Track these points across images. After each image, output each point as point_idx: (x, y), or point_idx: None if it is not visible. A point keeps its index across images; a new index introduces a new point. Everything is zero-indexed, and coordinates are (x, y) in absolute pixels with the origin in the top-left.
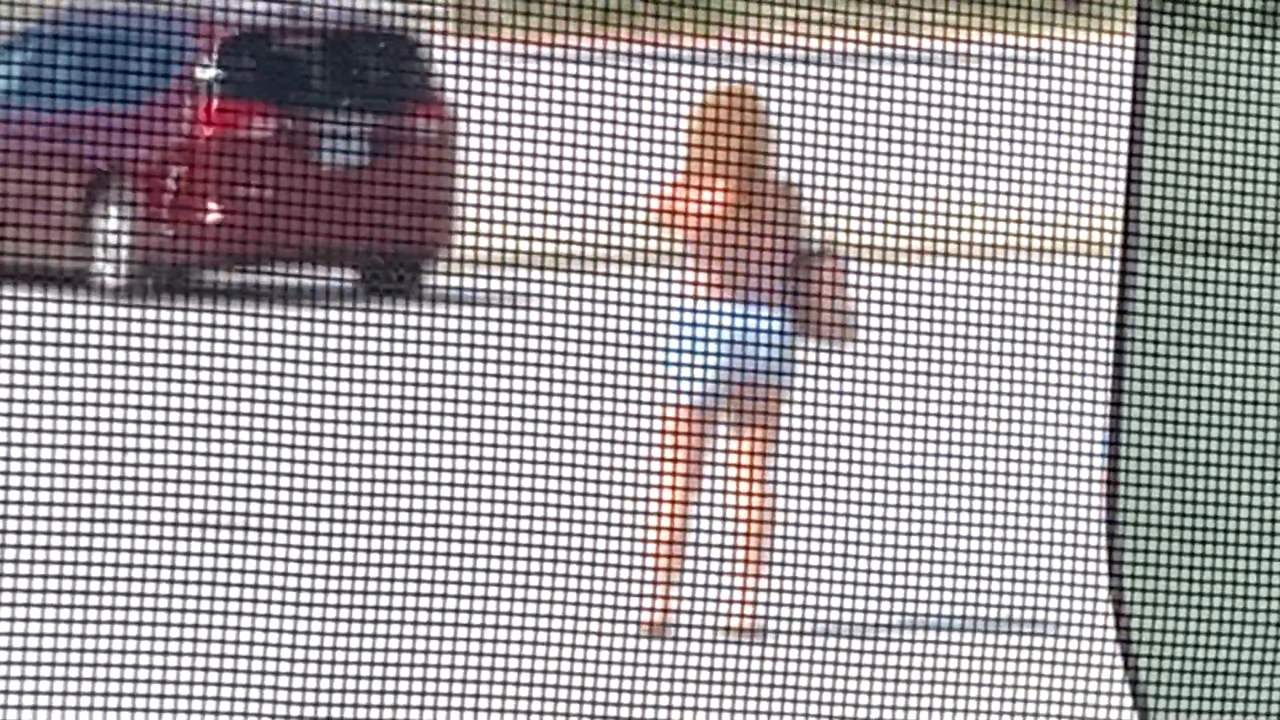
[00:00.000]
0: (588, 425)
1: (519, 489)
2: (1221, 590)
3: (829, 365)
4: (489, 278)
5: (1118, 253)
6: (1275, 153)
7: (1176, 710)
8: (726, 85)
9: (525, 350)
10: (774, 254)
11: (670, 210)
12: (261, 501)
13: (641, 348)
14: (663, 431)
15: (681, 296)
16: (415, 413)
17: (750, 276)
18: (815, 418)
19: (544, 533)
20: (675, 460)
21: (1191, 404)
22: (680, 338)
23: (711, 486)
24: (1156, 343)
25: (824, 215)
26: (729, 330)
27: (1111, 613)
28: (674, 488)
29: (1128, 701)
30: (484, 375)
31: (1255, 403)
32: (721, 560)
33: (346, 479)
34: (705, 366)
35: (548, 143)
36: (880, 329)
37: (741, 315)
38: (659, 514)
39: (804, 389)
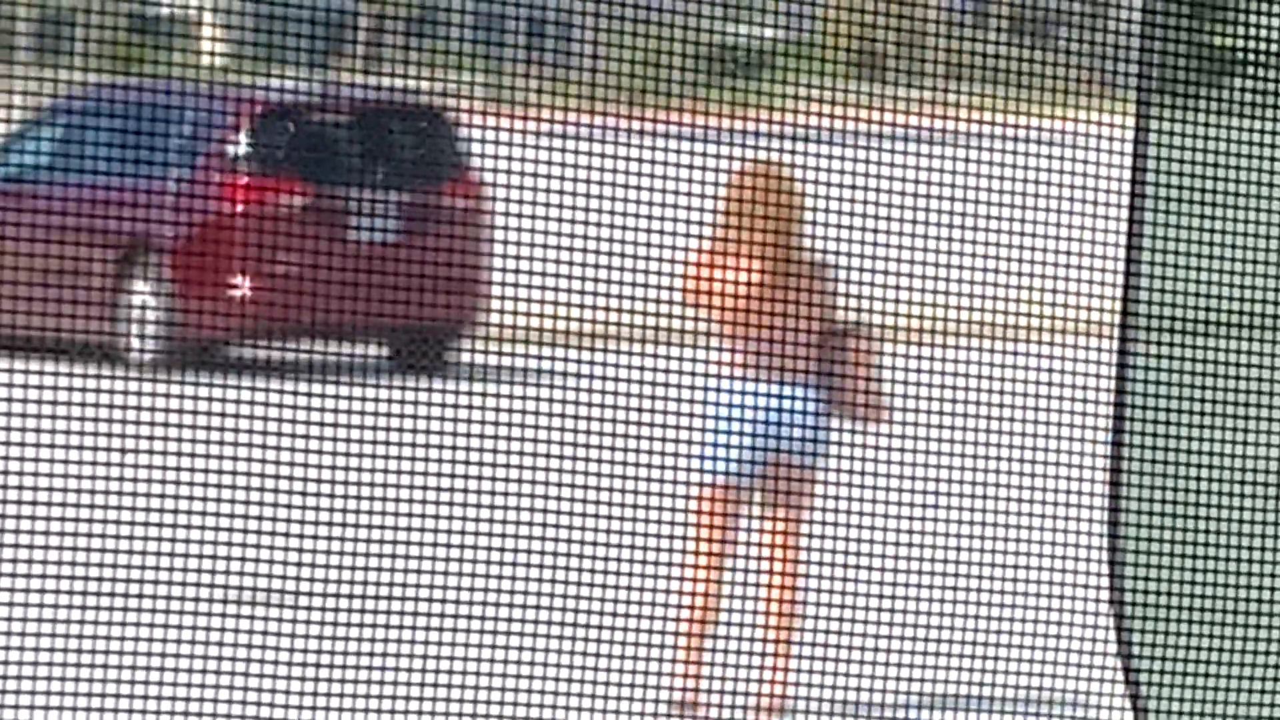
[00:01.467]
0: (616, 504)
1: (549, 566)
2: (1226, 654)
3: (864, 445)
4: (516, 355)
5: (1125, 333)
6: (1274, 233)
7: None
8: (757, 163)
9: (554, 429)
10: (806, 332)
11: (697, 289)
12: (297, 577)
13: (675, 426)
14: (696, 511)
15: (716, 376)
16: (445, 489)
17: (782, 355)
18: (849, 498)
19: (574, 610)
20: (707, 540)
21: (1189, 480)
22: (714, 418)
23: (745, 566)
24: (1155, 421)
25: (850, 295)
26: (762, 410)
27: (1127, 695)
28: (704, 567)
29: None
30: (512, 453)
31: (1251, 481)
32: (751, 640)
33: (380, 554)
34: (738, 446)
35: (575, 221)
36: (905, 409)
37: (774, 395)
38: (689, 593)
39: (837, 469)
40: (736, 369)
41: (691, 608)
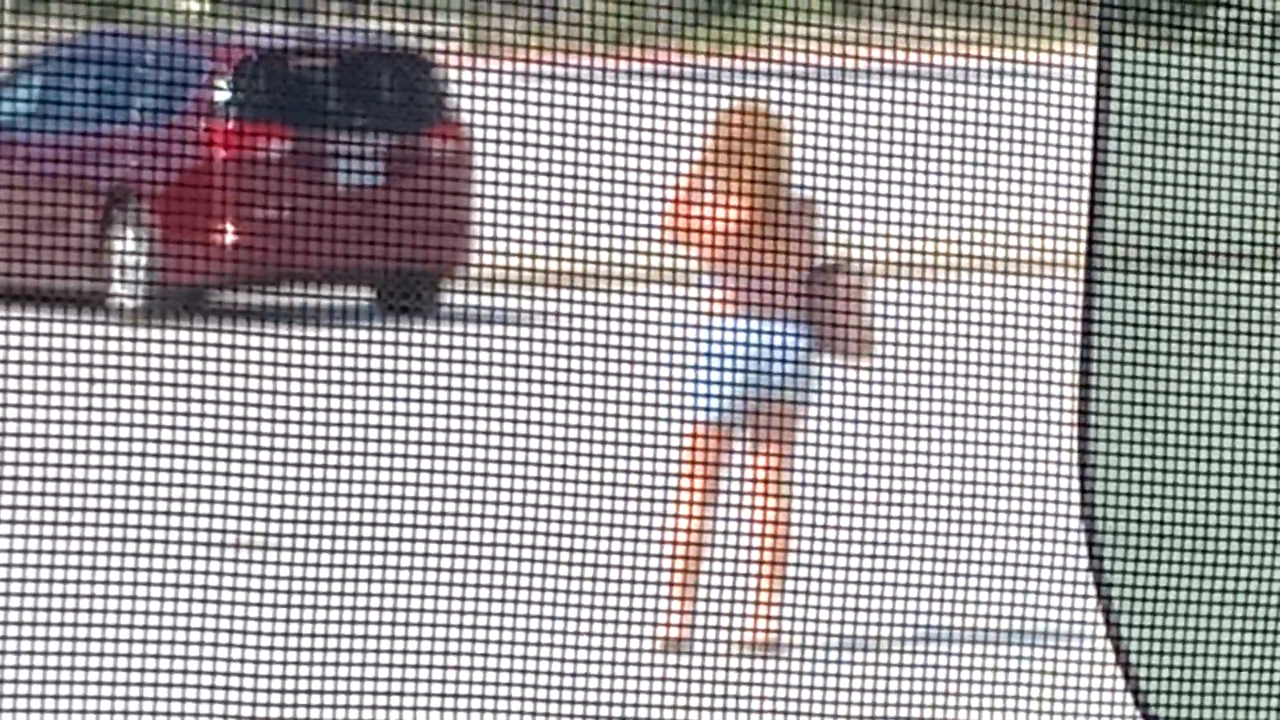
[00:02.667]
0: (605, 442)
1: (537, 505)
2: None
3: (844, 380)
4: (505, 296)
5: (1091, 265)
6: (1237, 167)
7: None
8: (742, 102)
9: (542, 369)
10: (791, 269)
11: (676, 225)
12: (281, 521)
13: (658, 365)
14: (681, 448)
15: (700, 314)
16: (432, 430)
17: (768, 292)
18: (832, 432)
19: (561, 549)
20: (693, 476)
21: (1156, 410)
22: (699, 355)
23: (729, 501)
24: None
25: (835, 231)
26: (747, 346)
27: (1101, 613)
28: (692, 503)
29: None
30: (501, 393)
31: (1218, 411)
32: (739, 575)
33: (363, 495)
34: (724, 384)
35: (562, 162)
36: (890, 343)
37: (759, 331)
38: (677, 529)
39: (821, 404)
40: (723, 306)
41: (678, 544)
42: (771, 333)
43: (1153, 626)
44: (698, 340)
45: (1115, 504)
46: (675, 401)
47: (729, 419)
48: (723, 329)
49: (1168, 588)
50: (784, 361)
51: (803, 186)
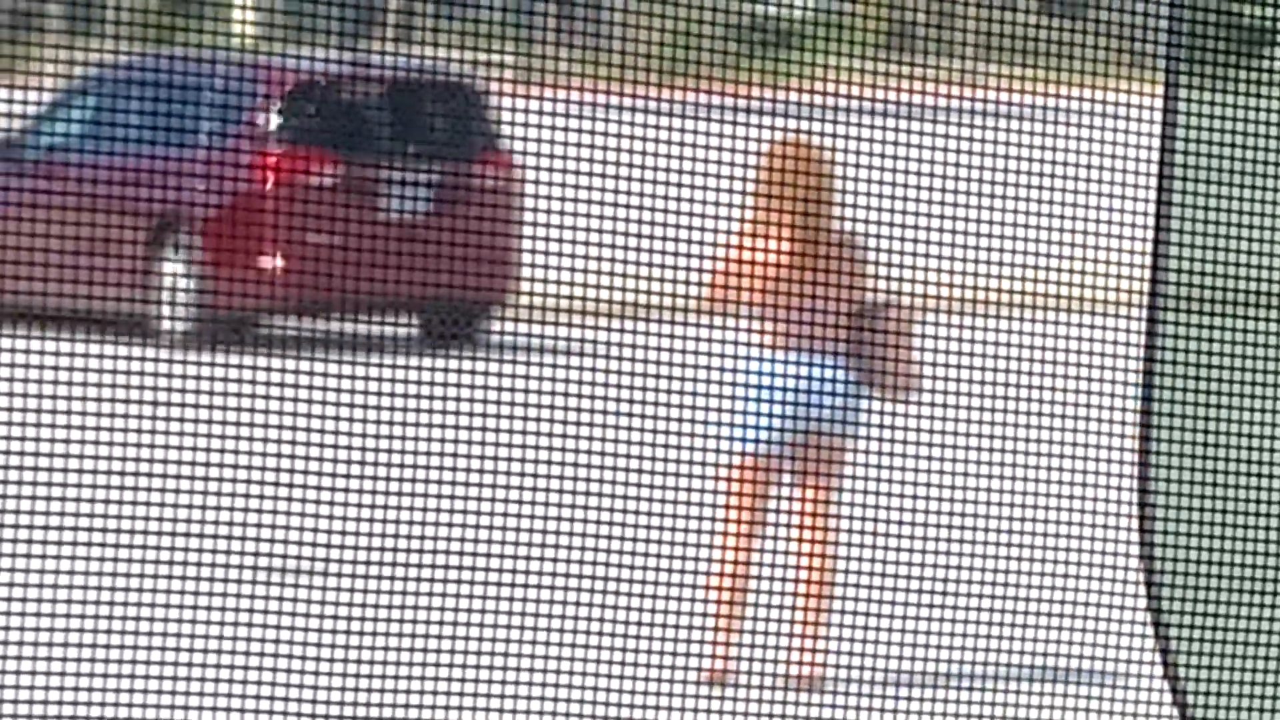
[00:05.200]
0: (651, 472)
1: (582, 535)
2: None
3: (893, 415)
4: (555, 324)
5: (1154, 307)
6: None
7: None
8: (788, 137)
9: (587, 400)
10: (838, 305)
11: (733, 272)
12: (328, 547)
13: (706, 396)
14: (727, 480)
15: (749, 347)
16: (479, 457)
17: (814, 328)
18: (879, 466)
19: (605, 578)
20: (739, 509)
21: (1219, 456)
22: (747, 386)
23: (775, 535)
24: (1184, 390)
25: (888, 266)
26: (793, 380)
27: (1159, 655)
28: (737, 535)
29: None
30: (548, 422)
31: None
32: (783, 609)
33: (409, 523)
34: (771, 418)
35: (612, 191)
36: (940, 379)
37: (806, 365)
38: (723, 562)
39: (868, 438)
40: (769, 342)
41: (724, 578)
42: (817, 368)
43: (1211, 668)
44: (743, 371)
45: (1175, 545)
46: (720, 434)
47: (774, 452)
48: (769, 361)
49: (1227, 629)
50: (830, 395)
51: (848, 220)
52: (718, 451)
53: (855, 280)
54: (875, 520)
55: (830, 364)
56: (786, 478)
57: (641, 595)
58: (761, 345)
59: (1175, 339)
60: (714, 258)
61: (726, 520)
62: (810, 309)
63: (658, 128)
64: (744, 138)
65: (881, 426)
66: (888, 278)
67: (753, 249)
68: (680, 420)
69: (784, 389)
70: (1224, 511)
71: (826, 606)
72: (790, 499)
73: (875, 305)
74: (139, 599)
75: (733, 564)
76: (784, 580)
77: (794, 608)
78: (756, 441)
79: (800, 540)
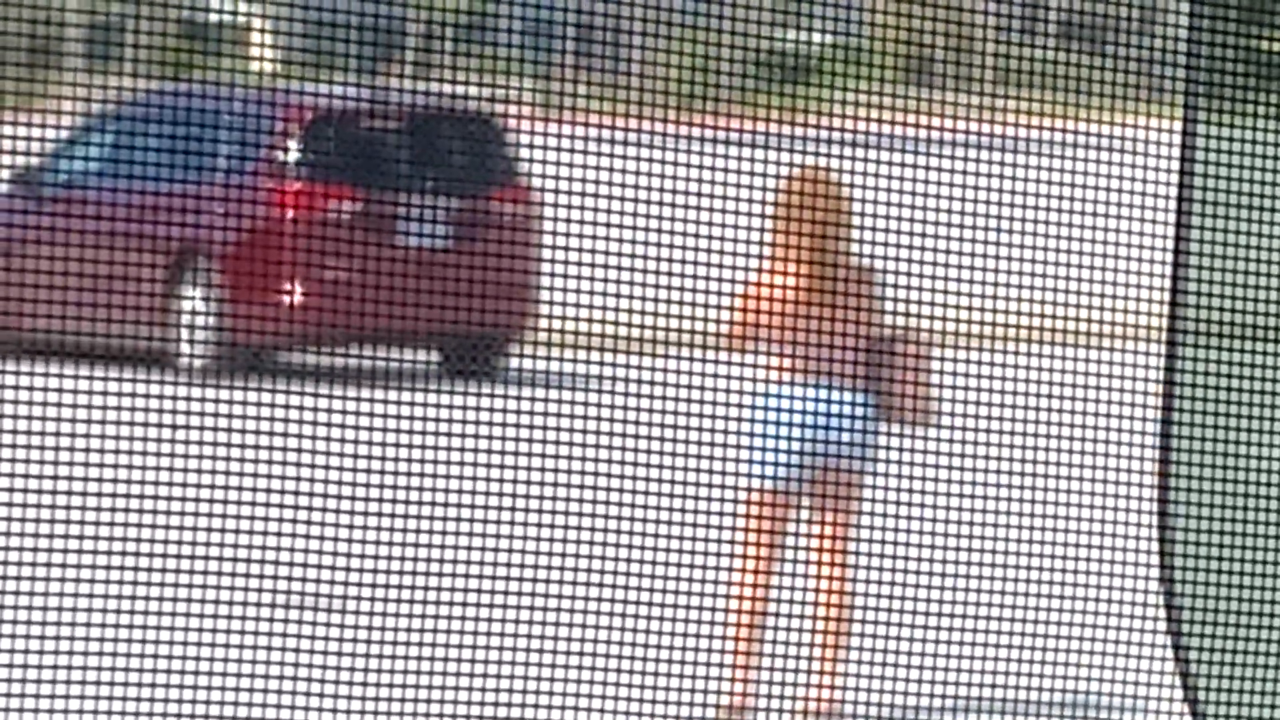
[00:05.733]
0: (669, 509)
1: (599, 571)
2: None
3: (910, 450)
4: (566, 360)
5: (1173, 338)
6: None
7: None
8: (804, 169)
9: (605, 434)
10: (855, 337)
11: (753, 309)
12: (343, 582)
13: (725, 431)
14: (746, 516)
15: (765, 381)
16: (496, 494)
17: (831, 359)
18: (898, 503)
19: (623, 615)
20: (757, 544)
21: (1238, 486)
22: (763, 422)
23: (793, 570)
24: (1204, 425)
25: (906, 298)
26: (810, 415)
27: (1185, 693)
28: (755, 571)
29: None
30: (566, 458)
31: None
32: (801, 645)
33: (427, 559)
34: (788, 451)
35: (630, 226)
36: (955, 414)
37: (823, 400)
38: (739, 597)
39: (885, 473)
40: (785, 374)
41: (741, 612)
42: (833, 400)
43: (1232, 692)
44: (760, 407)
45: (1195, 571)
46: (739, 467)
47: (790, 485)
48: (784, 396)
49: (1248, 654)
50: (846, 430)
51: (864, 255)
52: (735, 486)
53: (871, 311)
54: (894, 554)
55: (847, 395)
56: (804, 510)
57: (660, 631)
58: (779, 378)
59: (1194, 369)
60: (735, 294)
61: (745, 555)
62: (827, 341)
63: (675, 162)
64: (761, 170)
65: (900, 459)
66: (905, 309)
67: (770, 283)
68: (699, 455)
69: (800, 422)
70: (1244, 536)
71: (844, 640)
72: (809, 534)
73: (891, 336)
74: (159, 623)
75: (750, 598)
76: (801, 616)
77: (812, 644)
78: (775, 476)
79: (819, 575)
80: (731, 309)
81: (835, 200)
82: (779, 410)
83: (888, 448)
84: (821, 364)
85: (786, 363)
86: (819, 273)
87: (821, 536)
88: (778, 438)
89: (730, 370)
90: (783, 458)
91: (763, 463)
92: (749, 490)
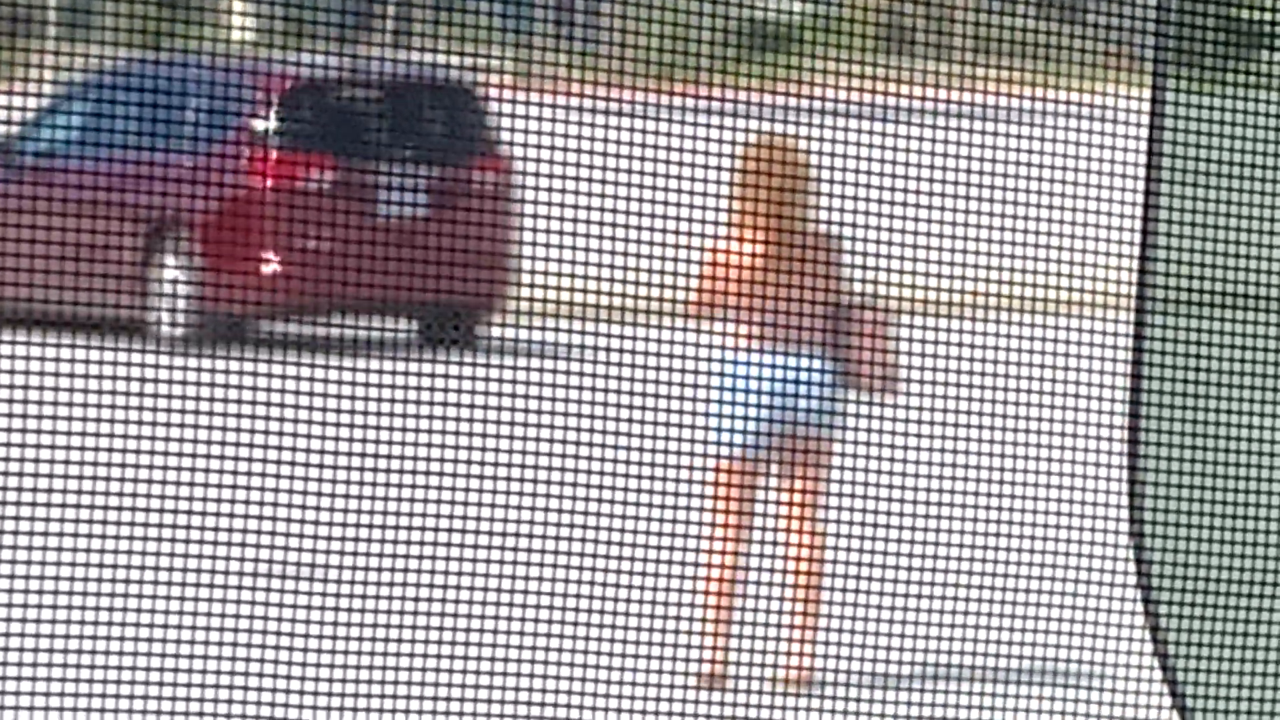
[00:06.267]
0: (641, 477)
1: (570, 539)
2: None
3: (870, 416)
4: (545, 330)
5: (1134, 306)
6: None
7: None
8: (761, 136)
9: (580, 402)
10: (814, 304)
11: (713, 275)
12: (315, 550)
13: (693, 400)
14: (715, 485)
15: (725, 349)
16: (470, 463)
17: (792, 326)
18: (865, 470)
19: (594, 583)
20: (725, 513)
21: (1207, 455)
22: (728, 390)
23: (762, 537)
24: (1172, 394)
25: (877, 266)
26: (774, 382)
27: (1151, 642)
28: (725, 539)
29: None
30: (538, 426)
31: (1270, 456)
32: (774, 613)
33: (401, 528)
34: (749, 417)
35: (609, 195)
36: (923, 382)
37: (785, 367)
38: (710, 565)
39: (856, 439)
40: (746, 341)
41: (715, 581)
42: (796, 368)
43: (1202, 659)
44: (723, 375)
45: (1165, 537)
46: (709, 436)
47: (758, 453)
48: (747, 364)
49: (1219, 620)
50: (810, 396)
51: (827, 222)
52: (705, 455)
53: (833, 279)
54: (864, 519)
55: (808, 362)
56: (773, 478)
57: (640, 601)
58: (740, 345)
59: (1163, 337)
60: (698, 261)
61: (714, 524)
62: (786, 308)
63: (655, 132)
64: (741, 139)
65: (869, 427)
66: (877, 278)
67: (727, 250)
68: (669, 424)
69: (762, 390)
70: (1214, 503)
71: (816, 610)
72: (778, 502)
73: (852, 304)
74: (140, 592)
75: (722, 566)
76: (774, 585)
77: (787, 611)
78: (741, 445)
79: (789, 544)
80: (699, 275)
81: (794, 167)
82: (742, 379)
83: (857, 415)
84: (781, 332)
85: (746, 330)
86: (777, 240)
87: (790, 505)
88: (744, 405)
89: (710, 339)
90: (747, 425)
91: (730, 430)
92: (717, 459)
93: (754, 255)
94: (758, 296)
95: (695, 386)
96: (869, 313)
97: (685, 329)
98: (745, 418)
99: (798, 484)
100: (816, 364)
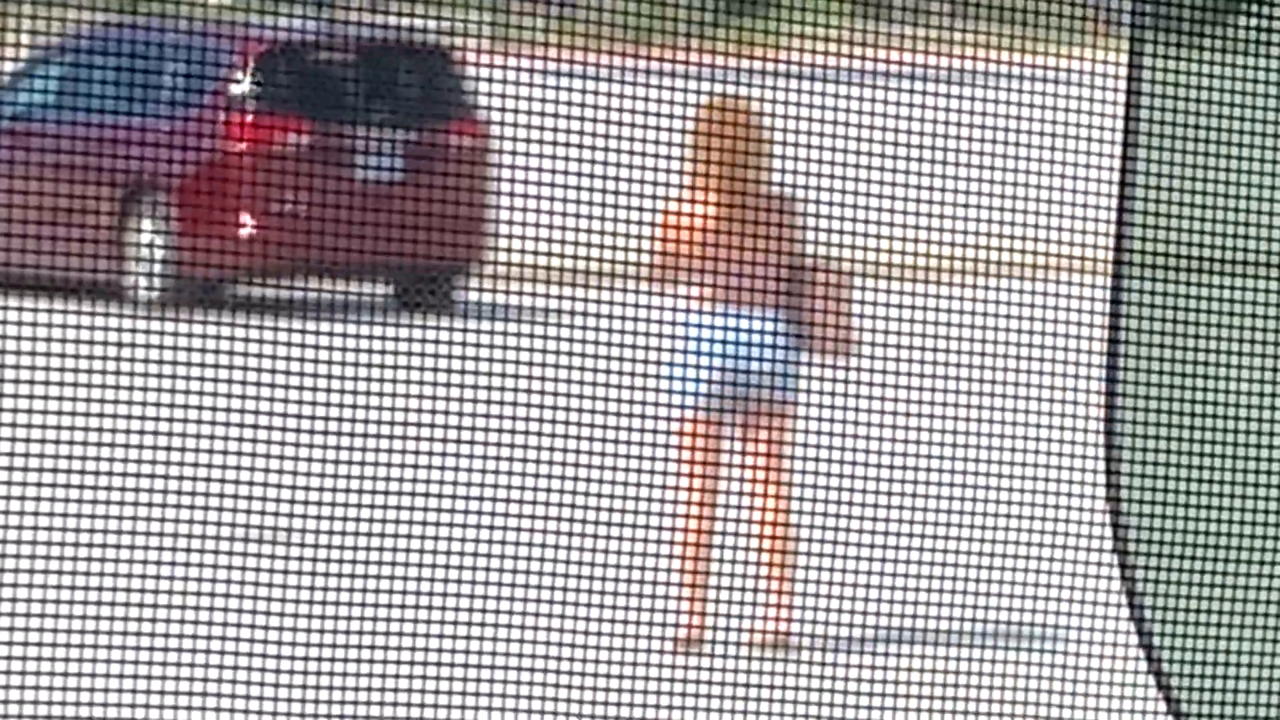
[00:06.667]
0: (615, 440)
1: (545, 504)
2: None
3: (833, 380)
4: (522, 294)
5: (1111, 270)
6: (1271, 171)
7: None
8: (715, 98)
9: (556, 365)
10: (766, 264)
11: (671, 238)
12: (291, 515)
13: (658, 363)
14: (679, 446)
15: (684, 310)
16: (445, 426)
17: (742, 288)
18: (830, 434)
19: (572, 547)
20: (690, 474)
21: (1184, 416)
22: (683, 349)
23: (728, 500)
24: (1150, 359)
25: (823, 229)
26: (724, 340)
27: (1127, 604)
28: (692, 502)
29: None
30: (514, 390)
31: (1246, 418)
32: (748, 576)
33: (376, 491)
34: (708, 377)
35: (586, 161)
36: (881, 344)
37: (740, 327)
38: (686, 529)
39: (811, 403)
40: (698, 303)
41: (688, 544)
42: (744, 329)
43: (1177, 622)
44: (684, 338)
45: (1141, 501)
46: (664, 398)
47: (718, 415)
48: (699, 325)
49: (1194, 584)
50: (766, 350)
51: (783, 184)
52: (669, 416)
53: (788, 240)
54: (829, 485)
55: (760, 323)
56: (736, 440)
57: (617, 564)
58: (696, 307)
59: (1140, 300)
60: (653, 223)
61: (679, 486)
62: (737, 269)
63: (632, 96)
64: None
65: (833, 390)
66: (853, 242)
67: (679, 212)
68: (644, 389)
69: (715, 350)
70: (1190, 467)
71: (791, 571)
72: (742, 465)
73: (807, 265)
74: (117, 555)
75: (693, 530)
76: (746, 549)
77: (759, 575)
78: (697, 406)
79: (754, 507)
80: (661, 238)
81: (747, 128)
82: (695, 339)
83: (814, 375)
84: (733, 291)
85: (698, 291)
86: (729, 201)
87: (755, 468)
88: (702, 364)
89: (671, 301)
90: (705, 383)
91: (686, 391)
92: (682, 419)
93: (705, 216)
94: (709, 258)
95: (660, 350)
96: (824, 274)
97: (662, 294)
98: (698, 380)
99: (761, 446)
100: (770, 325)
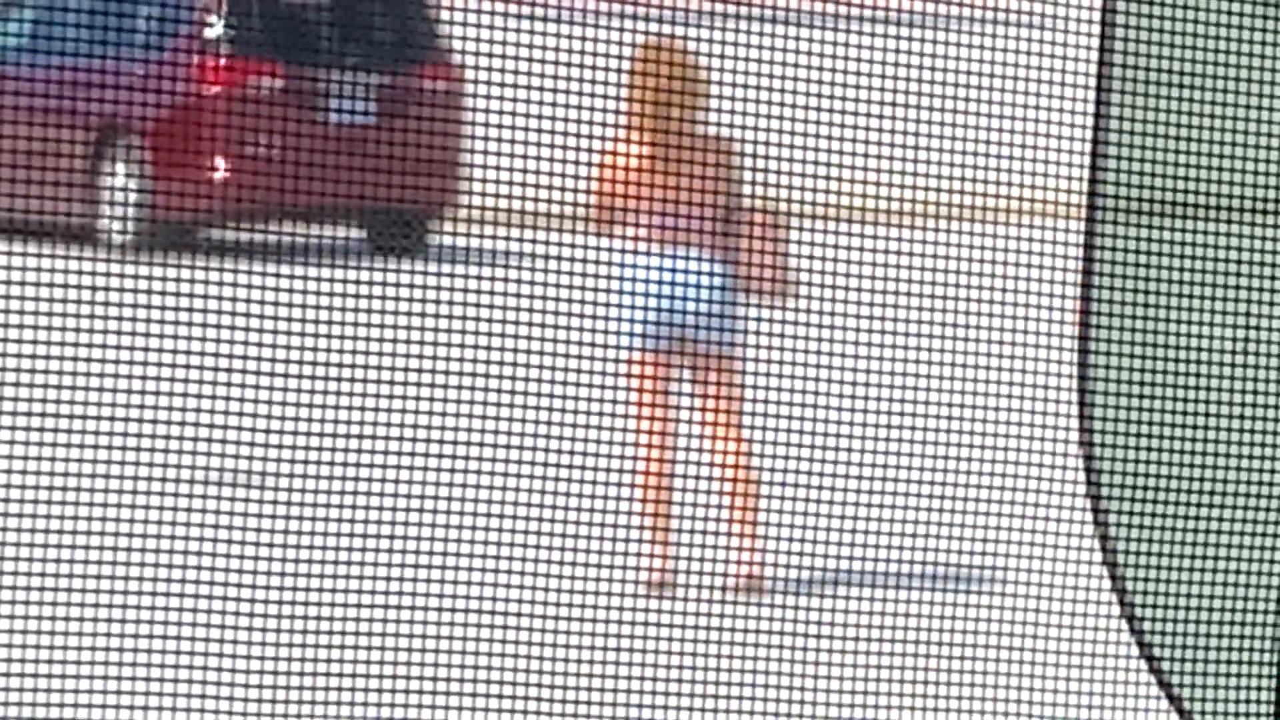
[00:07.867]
0: (579, 384)
1: (512, 448)
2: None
3: (771, 321)
4: (495, 238)
5: (1088, 214)
6: (1244, 115)
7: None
8: (649, 39)
9: (527, 309)
10: (700, 206)
11: (600, 165)
12: (266, 459)
13: (606, 305)
14: (628, 389)
15: (620, 251)
16: (419, 370)
17: (676, 229)
18: (779, 375)
19: (541, 491)
20: (639, 416)
21: (1157, 362)
22: (620, 292)
23: (688, 445)
24: (1122, 304)
25: (760, 171)
26: (660, 281)
27: (1105, 563)
28: (649, 444)
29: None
30: (487, 335)
31: (1219, 363)
32: (712, 520)
33: (349, 435)
34: (648, 318)
35: (557, 104)
36: (819, 285)
37: (673, 268)
38: (644, 472)
39: (755, 346)
40: (633, 243)
41: (648, 487)
42: (685, 270)
43: (1151, 554)
44: (620, 279)
45: (1115, 445)
46: (609, 340)
47: (666, 355)
48: (634, 265)
49: (1166, 528)
50: (700, 288)
51: (719, 125)
52: (618, 358)
53: (724, 182)
54: (788, 425)
55: (696, 264)
56: (688, 379)
57: (581, 509)
58: (626, 246)
59: (1114, 245)
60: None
61: (637, 430)
62: (673, 210)
63: (606, 40)
64: (693, 48)
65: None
66: (816, 185)
67: (615, 152)
68: (599, 331)
69: (650, 291)
70: (1163, 412)
71: (754, 517)
72: (698, 409)
73: (742, 208)
74: (90, 499)
75: (654, 473)
76: (709, 492)
77: (724, 520)
78: (641, 336)
79: (714, 451)
80: (599, 179)
81: (682, 69)
82: (629, 279)
83: (765, 320)
84: (666, 232)
85: (634, 231)
86: (664, 141)
87: (706, 410)
88: (633, 307)
89: (613, 243)
90: (640, 327)
91: (629, 333)
92: (629, 362)
93: (640, 156)
94: (644, 199)
95: (609, 291)
96: (760, 217)
97: (597, 234)
98: (633, 320)
99: (711, 390)
100: (706, 266)
